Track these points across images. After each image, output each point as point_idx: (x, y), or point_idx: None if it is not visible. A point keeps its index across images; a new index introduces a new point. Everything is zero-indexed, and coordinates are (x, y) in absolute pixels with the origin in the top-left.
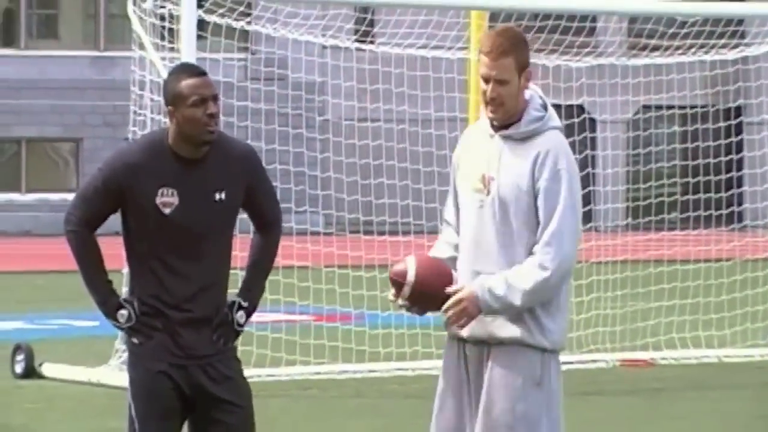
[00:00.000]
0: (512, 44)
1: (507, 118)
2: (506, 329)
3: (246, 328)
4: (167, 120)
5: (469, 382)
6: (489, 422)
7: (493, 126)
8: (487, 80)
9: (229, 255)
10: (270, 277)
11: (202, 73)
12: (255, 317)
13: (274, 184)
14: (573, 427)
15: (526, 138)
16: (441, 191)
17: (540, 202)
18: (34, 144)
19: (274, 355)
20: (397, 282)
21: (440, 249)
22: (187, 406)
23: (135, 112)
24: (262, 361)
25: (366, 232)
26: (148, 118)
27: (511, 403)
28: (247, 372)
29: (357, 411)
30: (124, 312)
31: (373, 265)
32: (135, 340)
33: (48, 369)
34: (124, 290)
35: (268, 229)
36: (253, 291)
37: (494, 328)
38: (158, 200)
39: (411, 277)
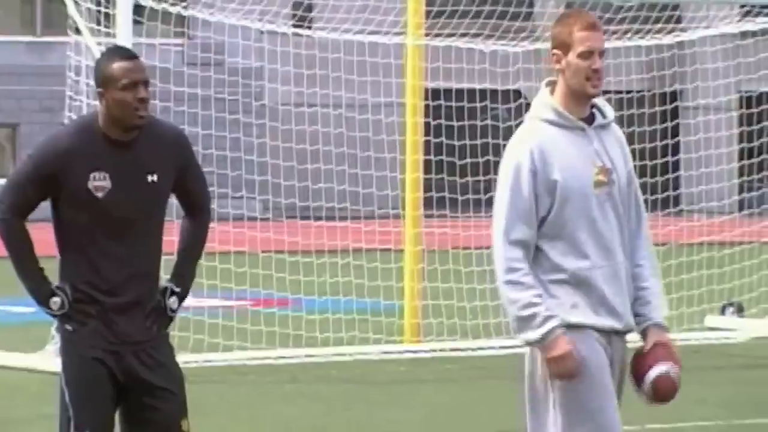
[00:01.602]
0: None
1: None
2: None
3: (180, 314)
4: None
5: (612, 373)
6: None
7: (573, 119)
8: (591, 54)
9: (160, 240)
10: (207, 263)
11: (134, 57)
12: (192, 302)
13: (212, 170)
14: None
15: (608, 125)
16: (378, 176)
17: (633, 187)
18: None
19: (211, 340)
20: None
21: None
22: (120, 392)
23: (71, 98)
24: (200, 347)
25: (303, 217)
26: (84, 103)
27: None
28: (184, 357)
29: (294, 396)
30: (56, 299)
31: (310, 250)
32: (68, 327)
33: None
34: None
35: (199, 214)
36: (185, 276)
37: (629, 317)
38: (90, 184)
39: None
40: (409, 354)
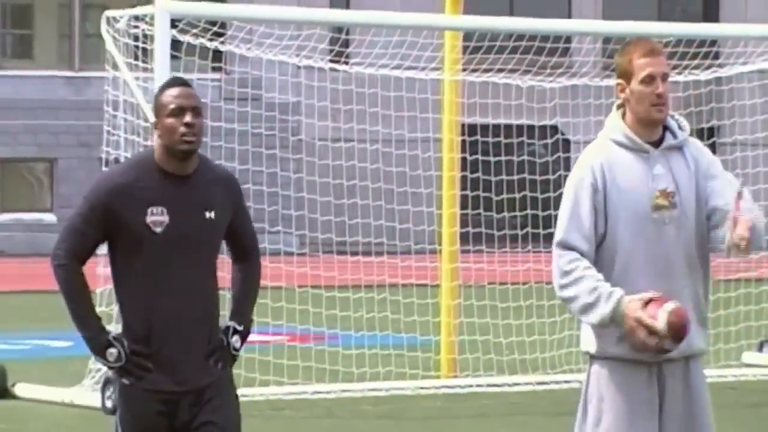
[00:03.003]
0: None
1: None
2: (702, 340)
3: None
4: (141, 140)
5: (662, 402)
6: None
7: (638, 141)
8: (653, 79)
9: (216, 280)
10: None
11: (184, 84)
12: None
13: (249, 204)
14: None
15: (680, 146)
16: (414, 211)
17: (716, 181)
18: (8, 164)
19: (248, 375)
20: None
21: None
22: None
23: (108, 132)
24: (236, 382)
25: (339, 252)
26: (121, 138)
27: (710, 417)
28: None
29: (330, 431)
30: (113, 351)
31: (347, 285)
32: (125, 381)
33: (21, 389)
34: (102, 308)
35: (250, 256)
36: (245, 315)
37: (695, 340)
38: (149, 219)
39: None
40: (446, 389)
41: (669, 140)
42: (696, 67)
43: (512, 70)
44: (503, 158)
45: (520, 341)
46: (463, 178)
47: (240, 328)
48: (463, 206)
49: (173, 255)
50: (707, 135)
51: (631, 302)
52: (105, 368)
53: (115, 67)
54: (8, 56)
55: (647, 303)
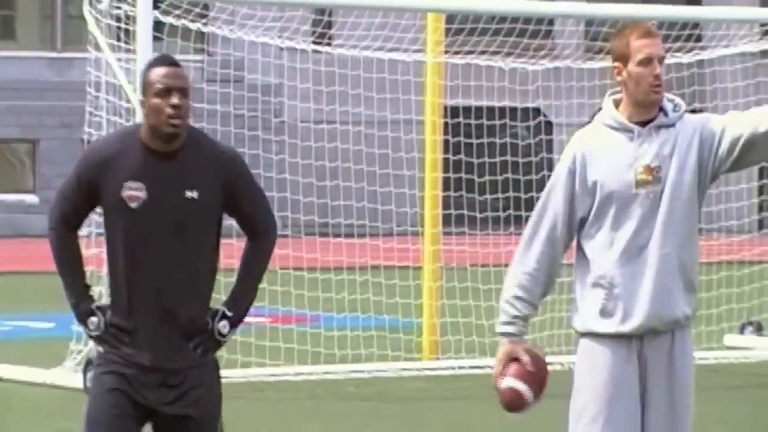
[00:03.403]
0: None
1: None
2: (686, 306)
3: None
4: (123, 121)
5: (644, 378)
6: (680, 412)
7: (623, 121)
8: (651, 60)
9: (208, 260)
10: (224, 280)
11: (173, 63)
12: None
13: None
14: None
15: (671, 123)
16: (397, 193)
17: (717, 138)
18: None
19: (230, 357)
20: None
21: None
22: (148, 413)
23: (91, 113)
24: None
25: (321, 234)
26: (104, 119)
27: (691, 398)
28: None
29: (313, 413)
30: (94, 319)
31: (329, 267)
32: (101, 349)
33: (3, 370)
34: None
35: (254, 238)
36: (238, 301)
37: (677, 308)
38: (124, 194)
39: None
40: (428, 371)
41: (660, 119)
42: (678, 50)
43: (495, 52)
44: (485, 140)
45: None
46: (446, 161)
47: (230, 313)
48: (446, 188)
49: (152, 232)
50: None
51: (503, 347)
52: (86, 350)
53: (97, 48)
54: None
55: (512, 361)
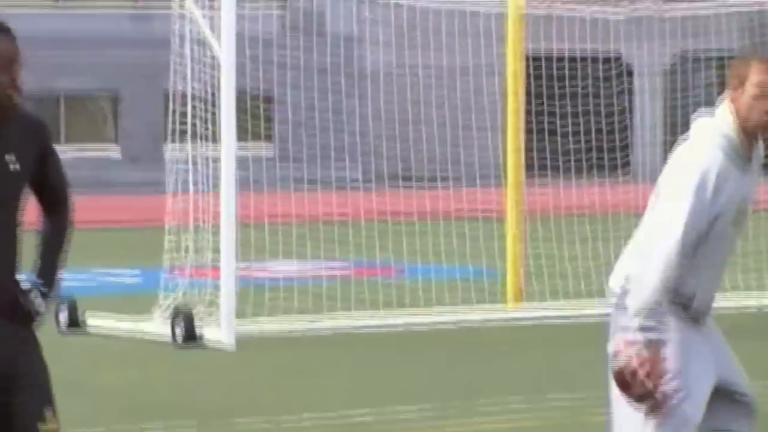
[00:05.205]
0: None
1: None
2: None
3: (281, 282)
4: (208, 71)
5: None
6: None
7: (744, 157)
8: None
9: (16, 231)
10: (309, 231)
11: (3, 30)
12: (295, 269)
13: (313, 134)
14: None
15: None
16: (479, 142)
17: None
18: (72, 98)
19: (317, 306)
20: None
21: None
22: None
23: (176, 65)
24: (305, 313)
25: (405, 184)
26: (188, 68)
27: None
28: (288, 325)
29: (396, 362)
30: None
31: (413, 217)
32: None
33: (92, 320)
34: None
35: (60, 207)
36: (52, 276)
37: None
38: None
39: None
40: (512, 318)
41: (758, 156)
42: None
43: (576, 1)
44: (567, 89)
45: (586, 268)
46: (528, 108)
47: (45, 290)
48: (528, 135)
49: None
50: None
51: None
52: (174, 302)
53: (181, 3)
54: None
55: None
